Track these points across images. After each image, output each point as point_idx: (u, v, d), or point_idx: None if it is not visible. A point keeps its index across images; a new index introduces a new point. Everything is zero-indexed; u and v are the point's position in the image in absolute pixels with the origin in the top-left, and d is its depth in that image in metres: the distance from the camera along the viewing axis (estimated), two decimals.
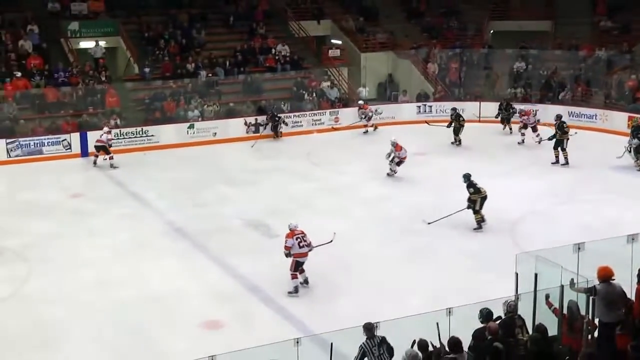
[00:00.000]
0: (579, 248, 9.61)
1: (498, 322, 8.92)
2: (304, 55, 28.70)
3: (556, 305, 9.38)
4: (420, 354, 8.21)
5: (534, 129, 22.88)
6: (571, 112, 25.38)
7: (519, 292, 9.76)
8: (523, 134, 23.15)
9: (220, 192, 18.65)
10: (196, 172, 20.59)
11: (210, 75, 26.34)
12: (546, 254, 9.68)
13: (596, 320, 9.08)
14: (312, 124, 25.77)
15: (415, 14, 32.28)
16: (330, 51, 29.34)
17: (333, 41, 30.36)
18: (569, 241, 10.18)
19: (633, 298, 9.16)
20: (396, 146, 19.52)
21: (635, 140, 19.91)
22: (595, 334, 9.07)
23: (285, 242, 12.76)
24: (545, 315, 9.46)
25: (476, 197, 15.70)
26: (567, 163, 20.31)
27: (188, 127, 24.23)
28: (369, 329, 8.77)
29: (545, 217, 16.40)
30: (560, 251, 9.86)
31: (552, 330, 9.17)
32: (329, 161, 21.71)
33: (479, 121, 26.04)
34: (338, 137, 24.90)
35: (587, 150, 21.16)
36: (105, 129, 21.82)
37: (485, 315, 9.10)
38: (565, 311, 9.22)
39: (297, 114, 25.80)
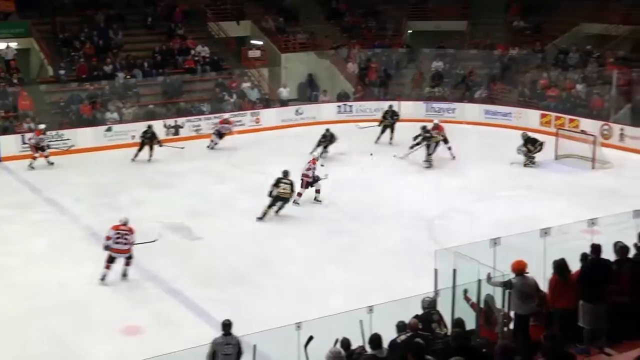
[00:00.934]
0: (495, 243, 9.81)
1: (415, 317, 9.04)
2: (224, 56, 28.50)
3: (474, 299, 9.56)
4: (343, 352, 8.25)
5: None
6: (487, 110, 26.01)
7: (438, 288, 9.90)
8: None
9: (138, 196, 18.33)
10: (114, 175, 20.19)
11: (128, 77, 25.87)
12: (464, 249, 9.84)
13: (512, 313, 9.31)
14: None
15: (335, 14, 32.47)
16: (250, 52, 29.23)
17: (253, 42, 30.25)
18: (485, 236, 10.39)
19: (546, 289, 9.42)
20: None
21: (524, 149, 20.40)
22: (511, 326, 9.30)
23: (108, 232, 13.13)
24: (463, 309, 9.64)
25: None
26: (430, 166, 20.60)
27: (105, 130, 23.73)
28: (226, 325, 9.14)
29: (462, 213, 16.72)
30: (477, 246, 10.05)
31: (471, 324, 9.35)
32: (249, 161, 21.61)
33: (399, 120, 26.33)
34: (259, 137, 24.83)
35: (503, 147, 21.66)
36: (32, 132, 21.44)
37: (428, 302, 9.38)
38: (482, 305, 9.41)
39: (217, 115, 25.58)
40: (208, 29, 29.74)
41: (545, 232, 10.30)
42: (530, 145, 20.44)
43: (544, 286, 9.45)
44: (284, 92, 28.09)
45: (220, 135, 23.35)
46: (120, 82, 25.60)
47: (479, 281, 9.35)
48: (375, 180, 19.38)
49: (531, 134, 21.11)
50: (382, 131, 23.38)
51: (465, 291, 9.62)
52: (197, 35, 28.85)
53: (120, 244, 13.04)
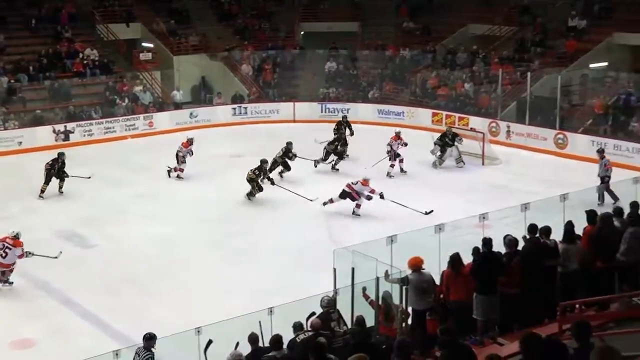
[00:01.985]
0: (391, 240, 10.02)
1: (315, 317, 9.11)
2: (114, 59, 27.83)
3: (373, 297, 9.72)
4: (243, 356, 8.22)
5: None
6: (380, 110, 26.46)
7: (337, 287, 10.02)
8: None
9: (28, 203, 17.68)
10: (1, 183, 19.38)
11: (12, 81, 24.87)
12: (362, 248, 10.01)
13: (409, 309, 9.52)
14: (126, 129, 25.06)
15: (227, 16, 32.23)
16: (141, 55, 28.64)
17: (144, 44, 29.66)
18: (382, 234, 10.60)
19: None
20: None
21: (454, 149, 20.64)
22: (409, 321, 9.51)
23: None
24: (363, 307, 9.79)
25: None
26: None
27: None
28: (148, 339, 9.04)
29: (360, 212, 16.92)
30: (374, 244, 10.25)
31: (371, 321, 9.50)
32: (144, 166, 21.18)
33: (294, 121, 26.51)
34: (153, 141, 24.40)
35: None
36: None
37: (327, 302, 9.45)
38: (380, 302, 9.58)
39: (109, 119, 24.99)
40: (97, 32, 28.95)
41: (439, 228, 10.62)
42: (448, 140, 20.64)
43: (440, 281, 9.71)
44: (178, 95, 27.68)
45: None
46: (4, 87, 24.59)
47: (377, 279, 9.52)
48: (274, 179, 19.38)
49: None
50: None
51: (364, 289, 9.77)
52: (86, 38, 28.05)
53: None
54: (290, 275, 13.24)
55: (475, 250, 9.41)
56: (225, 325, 9.23)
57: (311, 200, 17.27)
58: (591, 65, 24.77)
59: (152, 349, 9.05)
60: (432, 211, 16.15)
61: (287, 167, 19.65)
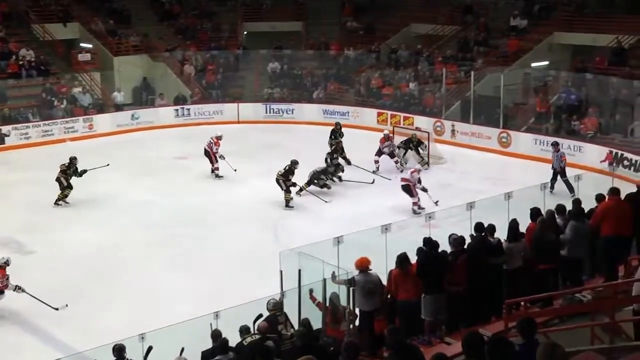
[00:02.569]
0: (338, 241, 10.08)
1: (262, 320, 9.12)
2: (51, 60, 27.30)
3: (320, 299, 9.76)
4: None
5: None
6: (325, 110, 26.54)
7: (284, 289, 10.03)
8: None
9: None
10: None
11: None
12: (308, 249, 10.04)
13: (357, 310, 9.59)
14: (65, 132, 24.62)
15: (169, 15, 31.93)
16: (80, 55, 28.17)
17: (83, 45, 29.18)
18: (329, 235, 10.65)
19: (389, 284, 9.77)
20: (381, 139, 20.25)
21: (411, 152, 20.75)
22: (357, 322, 9.57)
23: None
24: (310, 309, 9.82)
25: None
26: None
27: None
28: (118, 349, 8.86)
29: (305, 212, 17.01)
30: (321, 245, 10.29)
31: (318, 324, 9.55)
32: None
33: (238, 122, 26.43)
34: (93, 144, 24.00)
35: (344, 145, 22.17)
36: None
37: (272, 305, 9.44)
38: (327, 304, 9.62)
39: (47, 122, 24.52)
40: (32, 32, 28.37)
41: (385, 228, 10.70)
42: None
43: (387, 281, 9.79)
44: (119, 97, 27.31)
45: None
46: None
47: (324, 280, 9.57)
48: (217, 183, 19.32)
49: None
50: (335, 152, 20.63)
51: (311, 291, 9.81)
52: (21, 38, 27.43)
53: None
54: (236, 279, 13.20)
55: (419, 251, 9.53)
56: (169, 331, 9.16)
57: (326, 202, 17.54)
58: (533, 65, 25.28)
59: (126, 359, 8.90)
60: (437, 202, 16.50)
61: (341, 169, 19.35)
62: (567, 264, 9.92)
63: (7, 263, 12.26)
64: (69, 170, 18.06)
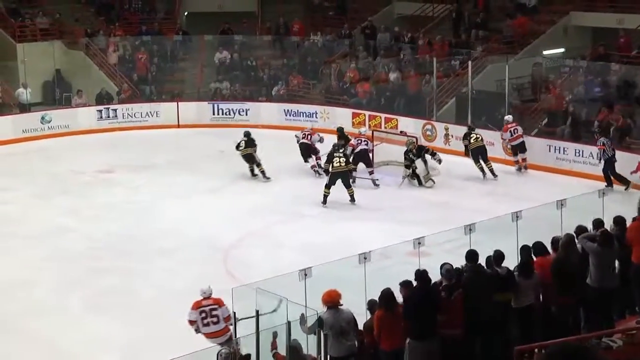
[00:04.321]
0: (305, 274, 10.10)
1: None
2: None
3: (285, 344, 9.74)
4: None
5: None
6: (287, 110, 26.60)
7: (237, 336, 10.03)
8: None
9: None
10: None
11: None
12: (268, 284, 10.04)
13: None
14: None
15: None
16: None
17: None
18: (293, 266, 10.67)
19: (363, 325, 9.80)
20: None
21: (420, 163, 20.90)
22: None
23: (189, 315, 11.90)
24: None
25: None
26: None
27: None
28: None
29: (264, 239, 17.02)
30: (284, 280, 10.30)
31: None
32: None
33: (178, 126, 26.38)
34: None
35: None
36: None
37: None
38: (288, 355, 9.60)
39: None
40: None
41: (364, 257, 10.73)
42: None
43: (363, 322, 9.84)
44: (24, 94, 27.13)
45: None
46: None
47: (289, 323, 9.57)
48: (151, 203, 19.25)
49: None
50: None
51: (275, 335, 9.77)
52: None
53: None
54: (176, 323, 13.10)
55: (405, 284, 9.59)
56: None
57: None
58: (545, 52, 25.58)
59: None
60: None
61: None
62: (592, 297, 10.03)
63: None
64: None
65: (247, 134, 21.06)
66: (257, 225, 17.76)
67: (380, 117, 24.91)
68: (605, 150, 19.05)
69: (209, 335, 11.62)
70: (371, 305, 9.94)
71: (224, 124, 26.14)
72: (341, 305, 9.57)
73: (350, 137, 21.53)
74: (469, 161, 22.07)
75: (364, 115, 25.44)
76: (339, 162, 18.88)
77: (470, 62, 24.43)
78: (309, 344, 9.70)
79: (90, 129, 26.08)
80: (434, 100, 24.97)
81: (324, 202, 18.77)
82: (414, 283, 9.61)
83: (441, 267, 9.75)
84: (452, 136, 23.49)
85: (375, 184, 20.32)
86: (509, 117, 21.82)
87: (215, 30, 30.16)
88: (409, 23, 29.00)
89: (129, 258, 16.02)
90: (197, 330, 11.78)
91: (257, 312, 9.99)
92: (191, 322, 11.79)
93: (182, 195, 19.65)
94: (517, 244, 10.84)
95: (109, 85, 28.32)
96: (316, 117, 26.11)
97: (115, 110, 26.96)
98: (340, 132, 21.76)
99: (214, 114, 27.01)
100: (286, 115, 26.51)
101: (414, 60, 27.09)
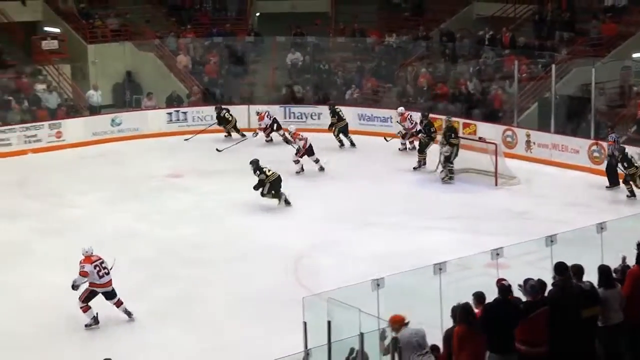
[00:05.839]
0: (378, 284, 10.08)
1: None
2: (7, 49, 27.78)
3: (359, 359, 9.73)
4: None
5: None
6: (362, 115, 26.60)
7: (309, 347, 10.07)
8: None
9: None
10: None
11: None
12: (339, 294, 10.06)
13: None
14: (25, 142, 24.99)
15: None
16: (44, 43, 28.63)
17: (48, 29, 29.65)
18: (365, 276, 10.67)
19: (440, 342, 9.76)
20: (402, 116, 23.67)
21: (447, 147, 21.21)
22: None
23: (83, 267, 13.55)
24: None
25: (267, 181, 19.28)
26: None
27: None
28: None
29: (336, 248, 17.02)
30: (356, 290, 10.30)
31: None
32: (51, 191, 21.11)
33: (250, 129, 26.57)
34: (61, 157, 24.33)
35: (382, 161, 22.28)
36: None
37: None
38: None
39: (2, 128, 24.90)
40: None
41: (440, 267, 10.67)
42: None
43: (440, 337, 9.80)
44: (95, 96, 27.65)
45: None
46: None
47: (362, 335, 9.57)
48: (220, 209, 19.45)
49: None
50: (421, 150, 23.11)
51: (351, 352, 9.72)
52: None
53: (105, 277, 13.63)
54: (246, 332, 13.25)
55: (478, 296, 9.53)
56: None
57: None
58: (634, 55, 25.20)
59: None
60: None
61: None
62: None
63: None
64: None
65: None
66: (328, 234, 17.76)
67: (458, 123, 24.75)
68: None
69: (102, 286, 13.60)
70: (454, 313, 9.83)
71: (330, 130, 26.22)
72: (407, 323, 9.53)
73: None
74: (551, 169, 21.94)
75: (441, 120, 25.24)
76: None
77: (554, 66, 24.17)
78: None
79: (160, 132, 26.48)
80: (515, 106, 24.79)
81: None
82: (486, 296, 9.54)
83: (525, 282, 9.62)
84: (534, 143, 23.28)
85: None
86: (401, 109, 24.43)
87: (287, 32, 30.33)
88: (489, 24, 28.80)
89: (197, 265, 16.19)
90: (76, 287, 13.60)
91: (329, 322, 10.01)
92: (84, 274, 13.54)
93: (251, 202, 19.82)
94: (601, 257, 10.70)
95: (179, 88, 28.69)
96: (391, 122, 26.09)
97: (185, 113, 27.32)
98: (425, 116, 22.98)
99: (285, 117, 27.12)
100: (360, 120, 26.51)
101: (494, 64, 26.89)
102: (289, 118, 26.97)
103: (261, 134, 25.13)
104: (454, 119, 24.64)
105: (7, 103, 25.95)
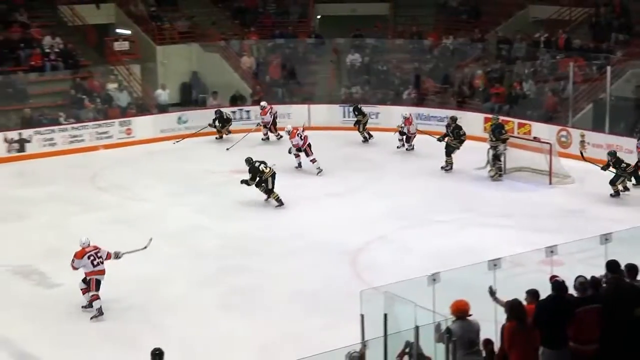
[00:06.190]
0: (433, 279, 10.03)
1: None
2: (81, 50, 28.13)
3: (414, 350, 9.67)
4: None
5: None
6: (419, 114, 26.49)
7: (365, 338, 10.04)
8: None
9: None
10: None
11: None
12: (396, 288, 10.02)
13: None
14: (97, 138, 25.31)
15: None
16: (116, 44, 28.94)
17: (119, 31, 30.00)
18: (421, 271, 10.62)
19: (496, 336, 9.67)
20: (406, 120, 23.66)
21: (499, 145, 21.06)
22: None
23: (73, 262, 13.70)
24: None
25: (264, 177, 19.12)
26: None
27: None
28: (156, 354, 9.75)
29: (392, 244, 16.99)
30: (412, 284, 10.25)
31: None
32: (121, 185, 21.37)
33: (310, 127, 26.58)
34: (131, 153, 24.61)
35: (438, 159, 22.15)
36: None
37: None
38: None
39: (76, 125, 25.24)
40: (59, 15, 29.32)
41: (494, 264, 10.58)
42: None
43: (495, 332, 9.71)
44: (163, 95, 27.92)
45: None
46: None
47: (417, 328, 9.52)
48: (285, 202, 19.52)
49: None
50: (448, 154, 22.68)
51: (407, 345, 9.65)
52: (45, 23, 28.40)
53: (100, 265, 13.85)
54: (305, 323, 13.26)
55: (532, 293, 9.42)
56: None
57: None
58: None
59: None
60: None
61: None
62: None
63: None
64: None
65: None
66: (385, 230, 17.73)
67: (513, 122, 24.53)
68: None
69: (98, 273, 13.81)
70: (510, 307, 9.70)
71: (354, 127, 26.23)
72: (470, 315, 9.46)
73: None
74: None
75: (495, 119, 25.06)
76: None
77: (609, 67, 23.83)
78: (437, 354, 9.62)
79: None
80: (569, 107, 24.50)
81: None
82: (539, 293, 9.44)
83: (575, 280, 9.52)
84: (588, 143, 22.99)
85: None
86: (406, 113, 24.54)
87: (348, 34, 30.32)
88: (545, 27, 28.48)
89: (259, 258, 16.25)
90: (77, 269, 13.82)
91: (386, 315, 9.97)
92: (73, 268, 13.79)
93: (312, 197, 19.85)
94: None
95: (242, 87, 28.87)
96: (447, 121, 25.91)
97: (248, 111, 27.46)
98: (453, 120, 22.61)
99: (344, 116, 27.13)
100: (416, 119, 26.38)
101: (549, 66, 26.60)
102: (348, 117, 26.93)
103: (285, 135, 23.54)
104: (507, 118, 24.60)
105: (81, 101, 26.28)
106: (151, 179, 21.74)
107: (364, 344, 9.88)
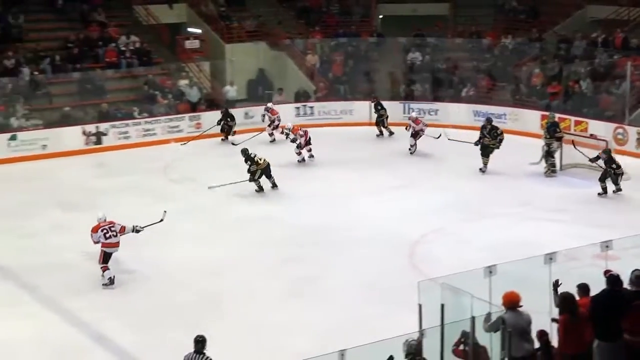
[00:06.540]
0: (490, 272, 9.96)
1: None
2: (154, 48, 28.46)
3: (470, 340, 9.62)
4: None
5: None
6: (477, 111, 26.33)
7: (423, 327, 10.01)
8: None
9: (53, 219, 18.18)
10: (21, 194, 20.03)
11: (36, 72, 25.64)
12: (453, 280, 9.97)
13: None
14: (169, 132, 25.58)
15: None
16: (187, 42, 29.23)
17: (190, 30, 30.28)
18: (478, 264, 10.55)
19: (550, 328, 9.58)
20: (416, 120, 23.51)
21: (553, 142, 20.88)
22: None
23: (91, 236, 14.56)
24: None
25: (255, 169, 19.54)
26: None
27: (9, 139, 23.54)
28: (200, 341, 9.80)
29: (449, 236, 16.90)
30: (469, 276, 10.19)
31: None
32: (191, 176, 21.59)
33: (370, 124, 26.58)
34: (200, 146, 24.82)
35: (496, 155, 21.95)
36: None
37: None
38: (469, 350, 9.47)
39: (149, 119, 25.55)
40: (134, 15, 29.70)
41: (550, 257, 10.48)
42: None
43: (548, 324, 9.61)
44: (231, 91, 28.14)
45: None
46: (26, 80, 25.37)
47: (473, 318, 9.47)
48: (343, 196, 19.51)
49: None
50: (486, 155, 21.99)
51: (463, 335, 9.60)
52: (121, 22, 28.79)
53: (111, 238, 14.54)
54: (364, 312, 13.26)
55: (582, 288, 9.32)
56: None
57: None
58: None
59: (205, 352, 9.73)
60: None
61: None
62: None
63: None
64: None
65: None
66: (443, 223, 17.64)
67: (570, 120, 24.22)
68: None
69: (111, 245, 14.54)
70: (562, 300, 9.60)
71: (376, 124, 26.10)
72: (521, 306, 9.39)
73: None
74: None
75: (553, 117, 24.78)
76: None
77: None
78: (492, 344, 9.56)
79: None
80: (626, 104, 24.11)
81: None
82: (594, 287, 9.33)
83: (632, 274, 9.39)
84: None
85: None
86: (415, 114, 24.61)
87: (409, 33, 30.23)
88: (602, 27, 28.03)
89: (323, 247, 16.30)
90: (97, 242, 14.57)
91: (442, 306, 9.93)
92: (95, 242, 14.57)
93: (373, 191, 19.82)
94: None
95: (306, 84, 28.97)
96: (505, 118, 25.74)
97: (311, 107, 27.59)
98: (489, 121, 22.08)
99: (404, 112, 27.00)
100: (475, 116, 26.25)
101: (607, 65, 26.18)
102: (408, 113, 26.80)
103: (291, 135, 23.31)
104: (564, 116, 24.28)
105: (154, 97, 26.58)
106: (220, 170, 21.88)
107: (421, 333, 9.85)
